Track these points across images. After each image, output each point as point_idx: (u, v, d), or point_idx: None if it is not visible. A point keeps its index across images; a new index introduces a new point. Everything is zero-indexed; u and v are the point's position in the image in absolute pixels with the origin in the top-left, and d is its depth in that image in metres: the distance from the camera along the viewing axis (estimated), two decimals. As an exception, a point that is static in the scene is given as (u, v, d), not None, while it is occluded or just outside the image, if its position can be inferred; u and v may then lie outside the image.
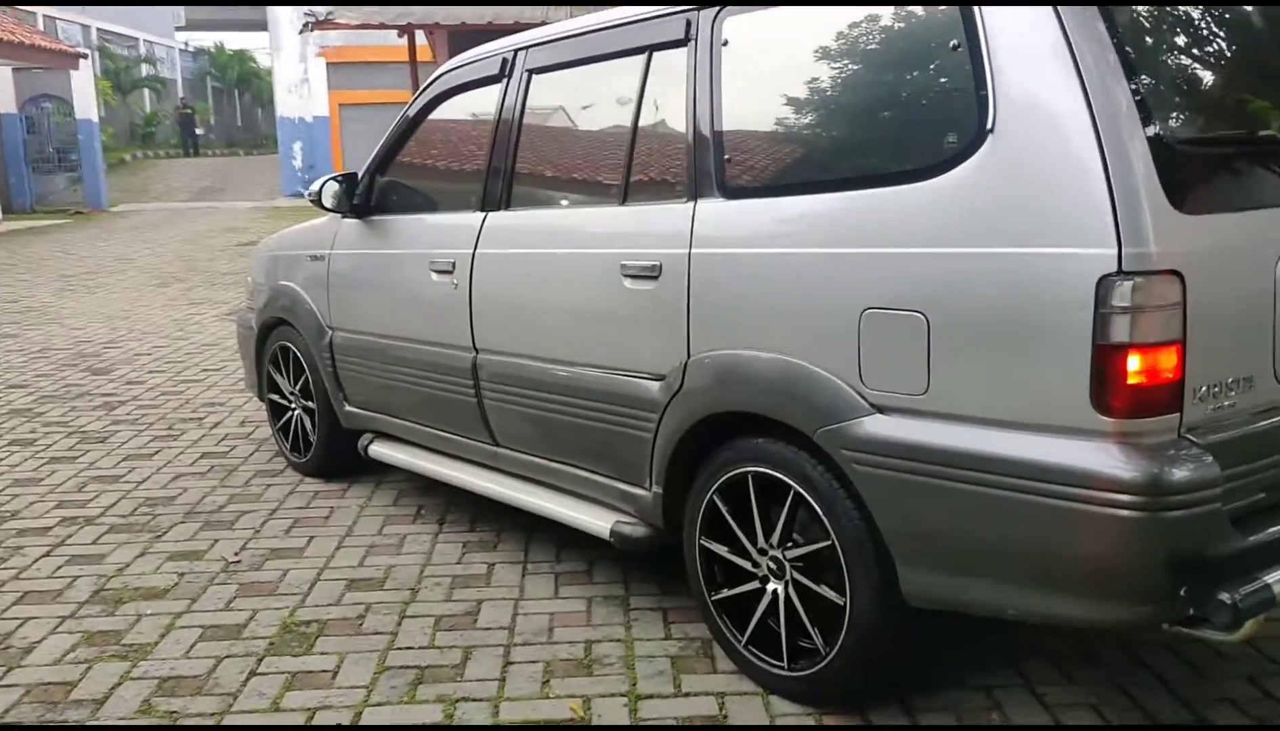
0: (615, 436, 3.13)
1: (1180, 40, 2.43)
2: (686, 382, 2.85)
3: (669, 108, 3.04)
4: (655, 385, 2.95)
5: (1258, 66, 2.55)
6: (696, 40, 2.92)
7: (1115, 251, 2.03)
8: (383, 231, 4.11)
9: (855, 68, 2.61)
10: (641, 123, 3.09)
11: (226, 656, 3.11)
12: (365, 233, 4.20)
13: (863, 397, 2.44)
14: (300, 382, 4.73)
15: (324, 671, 3.02)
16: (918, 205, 2.33)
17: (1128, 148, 2.07)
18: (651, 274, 2.93)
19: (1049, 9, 2.17)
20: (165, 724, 2.78)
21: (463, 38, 15.73)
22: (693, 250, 2.82)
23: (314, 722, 2.75)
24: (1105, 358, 2.06)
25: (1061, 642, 3.06)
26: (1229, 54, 2.49)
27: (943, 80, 2.37)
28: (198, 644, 3.20)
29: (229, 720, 2.77)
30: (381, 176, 4.21)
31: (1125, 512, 2.05)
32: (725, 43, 2.86)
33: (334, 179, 4.17)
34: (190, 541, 4.04)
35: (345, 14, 12.59)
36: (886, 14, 2.52)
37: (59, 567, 3.80)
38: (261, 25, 27.24)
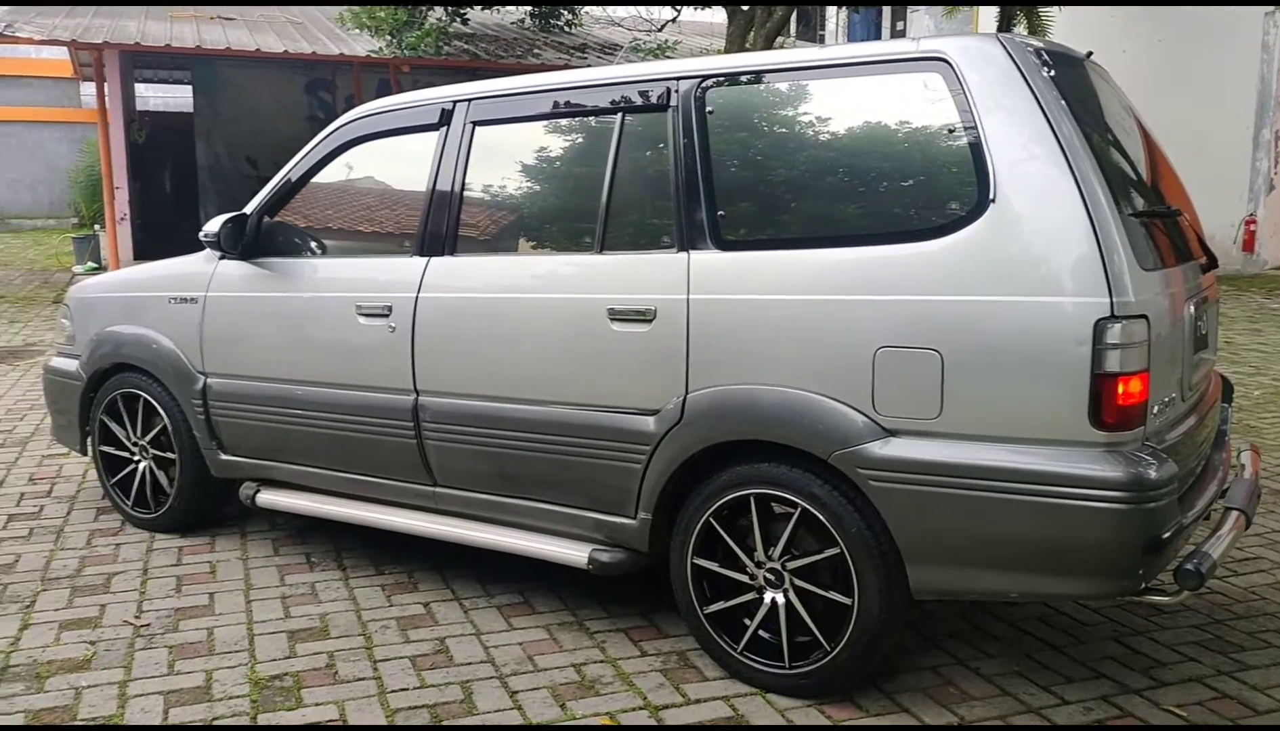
0: (595, 469, 3.33)
1: (1103, 136, 3.08)
2: (687, 415, 3.13)
3: (648, 166, 3.32)
4: (649, 419, 3.21)
5: (1146, 158, 3.29)
6: (679, 107, 3.24)
7: (1108, 300, 2.60)
8: (283, 274, 4.01)
9: (850, 142, 3.04)
10: (617, 178, 3.33)
11: (215, 718, 2.98)
12: (256, 275, 4.07)
13: (876, 423, 2.86)
14: (153, 433, 4.43)
15: (333, 721, 2.98)
16: (930, 260, 2.79)
17: (1107, 217, 2.65)
18: (644, 317, 3.19)
19: (1037, 109, 2.72)
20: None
21: (136, 56, 14.70)
22: (691, 296, 3.12)
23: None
24: (1101, 384, 2.62)
25: (961, 625, 3.64)
26: (1130, 148, 3.20)
27: (949, 158, 2.85)
28: (172, 710, 3.02)
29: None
30: (272, 218, 4.11)
31: (1117, 506, 2.61)
32: (710, 111, 3.20)
33: (229, 220, 4.01)
34: (71, 609, 3.71)
35: (27, 28, 11.36)
36: (886, 101, 2.98)
37: (-67, 649, 3.38)
38: None
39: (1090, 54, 3.32)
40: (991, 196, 2.74)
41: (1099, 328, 2.60)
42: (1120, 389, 2.63)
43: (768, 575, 3.12)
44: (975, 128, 2.79)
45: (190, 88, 15.71)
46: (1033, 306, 2.67)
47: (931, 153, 2.91)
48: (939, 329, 2.77)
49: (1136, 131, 3.38)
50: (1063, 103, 2.78)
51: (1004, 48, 2.84)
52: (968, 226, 2.76)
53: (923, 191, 2.90)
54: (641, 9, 16.58)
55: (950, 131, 2.84)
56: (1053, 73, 2.87)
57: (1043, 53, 2.93)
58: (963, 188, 2.80)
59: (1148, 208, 3.06)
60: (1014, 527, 2.73)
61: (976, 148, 2.78)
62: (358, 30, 13.48)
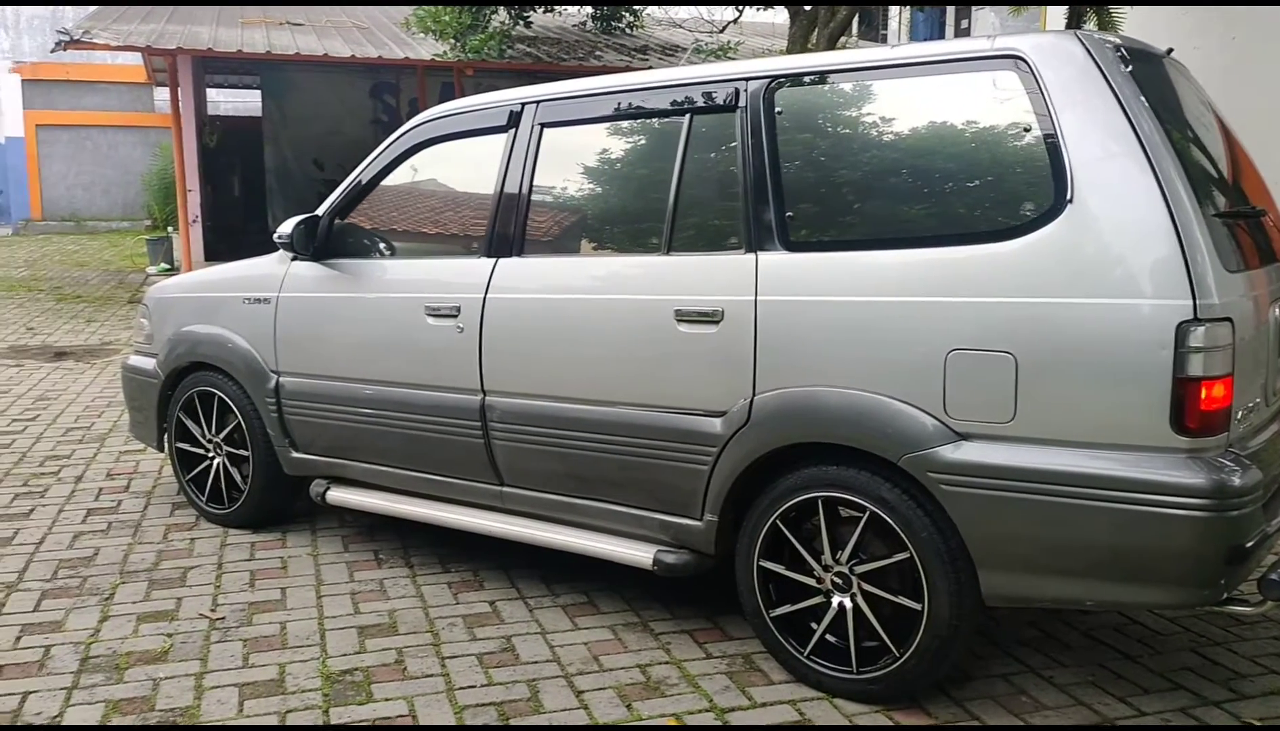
0: (661, 470, 3.33)
1: (1185, 134, 3.00)
2: (754, 417, 3.12)
3: (716, 167, 3.31)
4: (716, 421, 3.20)
5: (1228, 157, 3.21)
6: (748, 108, 3.22)
7: (1191, 302, 2.54)
8: (354, 275, 4.07)
9: (923, 142, 3.01)
10: (685, 179, 3.33)
11: (288, 711, 3.03)
12: (327, 276, 4.13)
13: (947, 426, 2.82)
14: (227, 430, 4.52)
15: (402, 716, 3.01)
16: (1005, 261, 2.75)
17: (1190, 217, 2.59)
18: (712, 319, 3.18)
19: (1117, 107, 2.67)
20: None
21: (207, 62, 15.02)
22: (759, 297, 3.10)
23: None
24: (1184, 388, 2.55)
25: (1032, 633, 3.58)
26: (1212, 146, 3.12)
27: (1024, 158, 2.81)
28: (246, 702, 3.08)
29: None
30: (343, 220, 4.17)
31: (1199, 514, 2.55)
32: (779, 112, 3.18)
33: (301, 222, 4.08)
34: (149, 602, 3.80)
35: (103, 34, 11.67)
36: (958, 102, 2.94)
37: (18, 638, 3.48)
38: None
39: (1170, 50, 3.24)
40: (1069, 196, 2.69)
41: (1181, 330, 2.54)
42: (1203, 393, 2.57)
43: (835, 579, 3.10)
44: (1052, 126, 2.74)
45: (258, 92, 16.04)
46: (1112, 309, 2.61)
47: (1007, 152, 2.87)
48: (1013, 331, 2.73)
49: (1218, 130, 3.30)
50: (1143, 100, 2.72)
51: (1082, 45, 2.79)
52: (1044, 227, 2.71)
53: (997, 192, 2.86)
54: (703, 10, 16.55)
55: (1026, 131, 2.79)
56: (1132, 70, 2.81)
57: (1121, 50, 2.87)
58: (1039, 188, 2.75)
59: (1231, 207, 2.99)
60: (1090, 534, 2.67)
61: (1054, 147, 2.73)
62: (422, 34, 13.64)
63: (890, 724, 3.00)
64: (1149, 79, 2.88)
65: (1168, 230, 2.57)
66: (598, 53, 14.74)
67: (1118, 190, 2.65)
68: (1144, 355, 2.58)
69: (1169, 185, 2.60)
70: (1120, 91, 2.71)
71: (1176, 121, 2.96)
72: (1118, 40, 2.95)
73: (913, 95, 3.04)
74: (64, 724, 2.96)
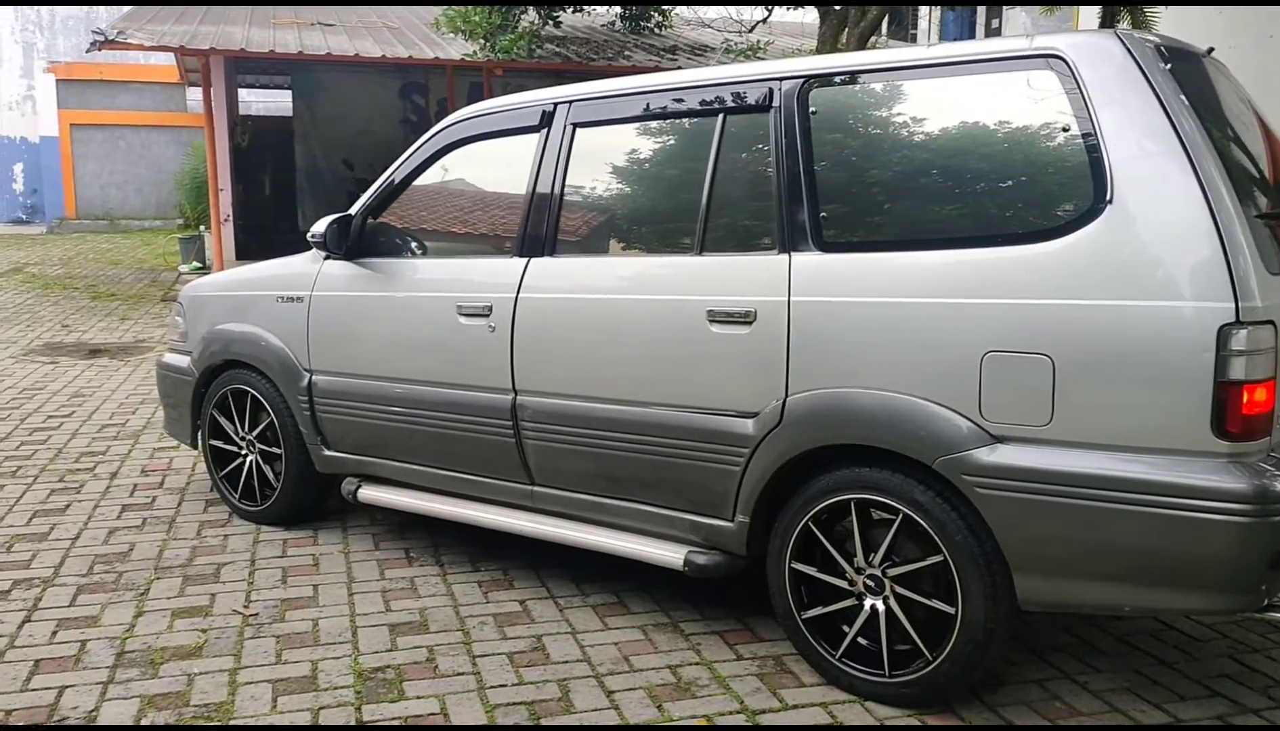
0: (693, 471, 3.32)
1: (1226, 134, 2.96)
2: (786, 418, 3.10)
3: (749, 167, 3.30)
4: (748, 422, 3.19)
5: (1269, 156, 3.16)
6: (781, 108, 3.21)
7: (1233, 305, 2.51)
8: (386, 274, 4.09)
9: (959, 142, 2.98)
10: (718, 179, 3.32)
11: (321, 708, 3.04)
12: (359, 275, 4.15)
13: (983, 429, 2.80)
14: (260, 428, 4.56)
15: (433, 714, 3.02)
16: (1043, 263, 2.72)
17: (1232, 218, 2.55)
18: (745, 319, 3.17)
19: (1158, 106, 2.64)
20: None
21: (239, 62, 15.13)
22: (792, 298, 3.09)
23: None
24: (1225, 392, 2.52)
25: (1066, 638, 3.55)
26: (1254, 147, 3.08)
27: (1063, 158, 2.78)
28: (279, 698, 3.10)
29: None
30: (375, 220, 4.19)
31: (1241, 519, 2.52)
32: (813, 112, 3.17)
33: (334, 222, 4.10)
34: (183, 597, 3.83)
35: (137, 35, 11.79)
36: (998, 100, 2.92)
37: (54, 632, 3.52)
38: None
39: (1211, 50, 3.20)
40: (1108, 197, 2.66)
41: (1223, 333, 2.51)
42: (1245, 397, 2.53)
43: (867, 581, 3.08)
44: (1091, 126, 2.71)
45: (289, 92, 16.14)
46: (1152, 311, 2.59)
47: (1045, 152, 2.84)
48: (1051, 334, 2.70)
49: (1259, 130, 3.25)
50: (1183, 99, 2.69)
51: (1121, 43, 2.76)
52: (1083, 228, 2.69)
53: (1035, 192, 2.84)
54: (732, 10, 16.51)
55: (1065, 130, 2.77)
56: (1171, 68, 2.78)
57: (1161, 48, 2.84)
58: (1078, 188, 2.72)
59: (1273, 208, 2.94)
60: (1129, 539, 2.64)
61: (1093, 147, 2.70)
62: (452, 34, 13.68)
63: (922, 726, 2.98)
64: (1189, 78, 2.85)
65: (1209, 231, 2.54)
66: (626, 53, 14.75)
67: (1158, 190, 2.62)
68: (1185, 358, 2.55)
69: (1210, 185, 2.57)
70: (1160, 90, 2.68)
71: (1217, 121, 2.92)
72: (1157, 39, 2.91)
73: (949, 95, 3.02)
74: (99, 720, 2.99)
